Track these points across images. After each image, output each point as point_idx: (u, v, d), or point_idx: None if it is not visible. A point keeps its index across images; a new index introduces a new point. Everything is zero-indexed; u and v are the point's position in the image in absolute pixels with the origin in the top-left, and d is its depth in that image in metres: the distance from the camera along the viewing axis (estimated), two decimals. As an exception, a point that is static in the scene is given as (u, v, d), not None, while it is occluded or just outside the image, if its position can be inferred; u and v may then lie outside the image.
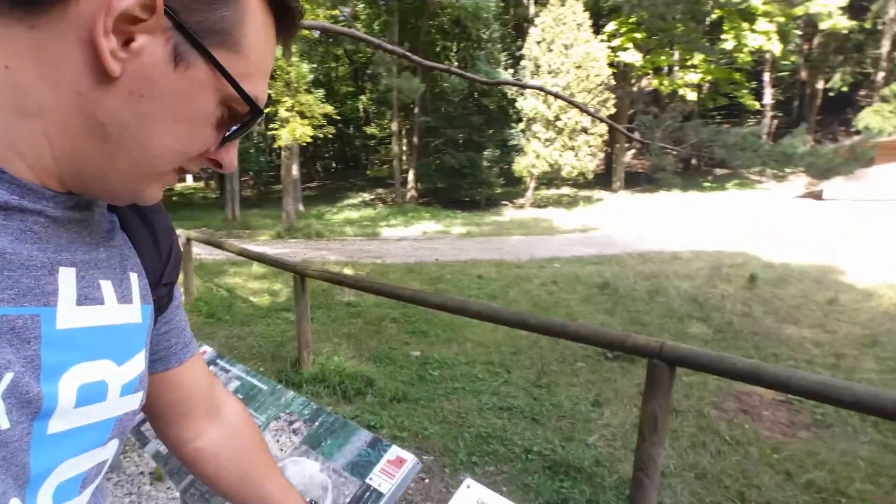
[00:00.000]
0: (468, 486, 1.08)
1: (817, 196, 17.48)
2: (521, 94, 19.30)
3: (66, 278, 0.43)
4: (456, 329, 5.27)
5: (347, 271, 7.60)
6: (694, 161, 23.90)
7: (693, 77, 21.79)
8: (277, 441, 1.39)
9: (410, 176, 21.83)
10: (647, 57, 21.66)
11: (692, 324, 5.64)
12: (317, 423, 1.40)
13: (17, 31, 0.36)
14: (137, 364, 0.50)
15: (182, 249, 0.72)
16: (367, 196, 24.06)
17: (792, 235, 11.47)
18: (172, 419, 0.66)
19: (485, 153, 20.28)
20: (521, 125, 19.92)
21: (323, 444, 1.32)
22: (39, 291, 0.40)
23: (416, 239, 12.56)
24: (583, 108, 5.33)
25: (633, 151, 26.04)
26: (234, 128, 0.44)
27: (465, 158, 19.69)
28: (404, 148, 24.16)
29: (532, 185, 20.21)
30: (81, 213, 0.45)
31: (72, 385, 0.42)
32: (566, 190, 22.06)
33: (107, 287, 0.47)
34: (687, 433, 3.26)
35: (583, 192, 21.70)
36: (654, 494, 2.38)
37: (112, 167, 0.41)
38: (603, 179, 23.22)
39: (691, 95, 21.76)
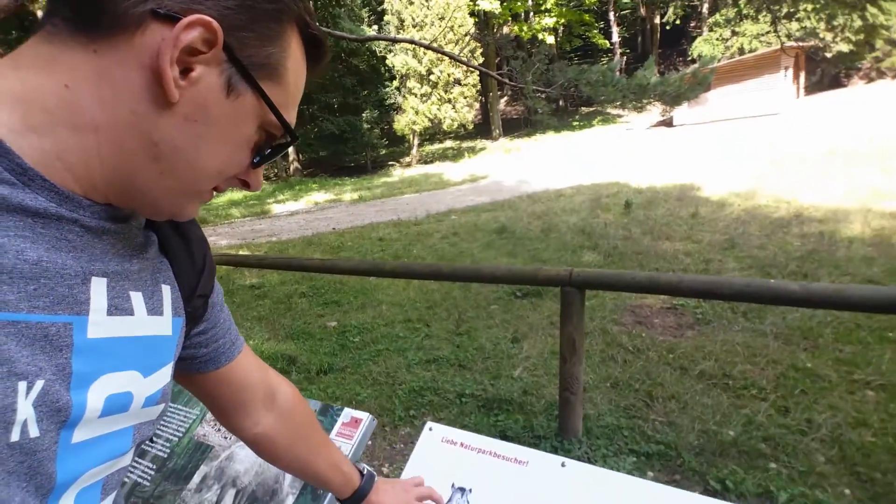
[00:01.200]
0: (430, 429, 1.11)
1: (669, 124, 19.36)
2: (391, 51, 18.89)
3: (98, 288, 0.43)
4: (368, 294, 5.23)
5: (244, 253, 7.16)
6: (562, 102, 25.22)
7: (549, 21, 22.67)
8: (219, 430, 1.31)
9: (290, 148, 20.73)
10: (504, 4, 22.09)
11: (584, 253, 6.10)
12: (262, 406, 1.33)
13: (79, 53, 0.39)
14: (163, 376, 0.51)
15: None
16: (245, 174, 22.53)
17: (653, 161, 12.67)
18: (232, 412, 0.69)
19: (363, 115, 19.76)
20: (395, 83, 19.60)
21: (274, 425, 1.27)
22: (73, 300, 0.41)
23: (308, 211, 12.09)
24: (456, 58, 5.35)
25: (505, 99, 26.84)
26: (269, 151, 0.48)
27: (343, 123, 19.05)
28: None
29: (415, 142, 20.17)
30: (117, 225, 0.46)
31: (100, 395, 0.42)
32: (449, 143, 22.31)
33: (137, 298, 0.48)
34: (597, 351, 3.57)
35: (465, 144, 22.10)
36: (580, 408, 2.61)
37: (159, 185, 0.43)
38: (482, 129, 23.78)
39: (550, 39, 22.68)
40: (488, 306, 4.64)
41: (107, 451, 0.45)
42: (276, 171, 20.97)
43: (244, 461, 1.22)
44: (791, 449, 2.37)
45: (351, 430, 1.18)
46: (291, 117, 0.48)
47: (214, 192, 0.48)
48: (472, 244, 7.15)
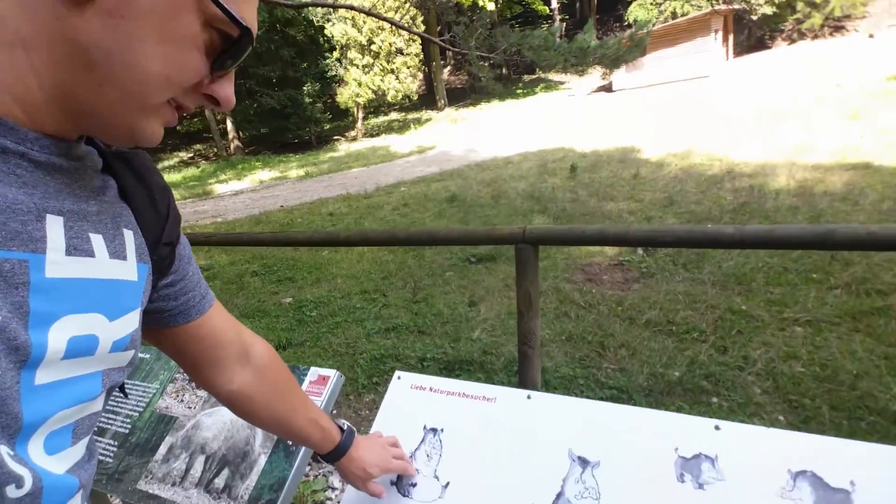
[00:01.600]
0: (399, 377, 1.13)
1: (609, 89, 19.76)
2: (329, 20, 18.20)
3: (54, 226, 0.42)
4: (322, 268, 5.17)
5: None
6: (505, 70, 25.21)
7: (490, -14, 22.41)
8: (182, 401, 1.29)
9: (229, 125, 19.81)
10: (447, -31, 21.63)
11: (534, 217, 6.23)
12: (226, 374, 1.31)
13: None
14: (130, 322, 0.50)
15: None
16: (184, 155, 21.39)
17: (596, 126, 12.96)
18: (205, 368, 0.68)
19: (304, 89, 19.03)
20: (336, 54, 18.97)
21: (240, 391, 1.26)
22: (27, 237, 0.39)
23: (253, 190, 11.66)
24: (398, 24, 5.25)
25: (449, 68, 26.53)
26: (225, 53, 0.44)
27: (284, 98, 18.29)
28: (211, 94, 21.58)
29: (360, 115, 19.71)
30: (69, 163, 0.44)
31: (62, 336, 0.41)
32: (394, 115, 21.94)
33: (97, 241, 0.46)
34: (551, 308, 3.70)
35: (411, 115, 21.78)
36: (538, 361, 2.71)
37: (101, 98, 0.40)
38: (427, 100, 23.48)
39: (490, 6, 22.47)
40: (443, 273, 4.68)
41: (75, 394, 0.44)
42: (215, 149, 20.05)
43: (211, 428, 1.20)
44: (730, 384, 2.57)
45: (319, 387, 1.19)
46: (246, 11, 0.43)
47: (177, 111, 0.45)
48: (424, 214, 7.15)
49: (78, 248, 0.44)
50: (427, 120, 21.02)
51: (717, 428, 0.79)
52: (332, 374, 1.20)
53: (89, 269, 0.45)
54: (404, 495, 0.91)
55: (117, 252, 0.49)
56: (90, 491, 0.52)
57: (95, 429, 0.53)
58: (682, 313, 3.32)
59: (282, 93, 18.34)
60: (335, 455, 0.82)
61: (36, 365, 0.40)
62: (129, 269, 0.50)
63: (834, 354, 2.63)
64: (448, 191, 8.23)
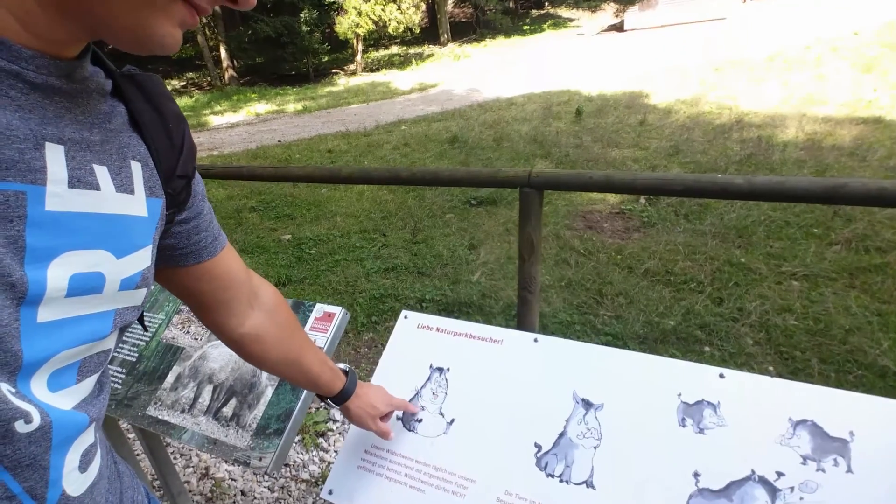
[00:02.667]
0: (405, 317, 1.14)
1: (620, 28, 18.97)
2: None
3: (55, 156, 0.39)
4: (321, 206, 5.13)
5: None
6: (512, 3, 24.08)
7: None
8: (188, 333, 1.31)
9: (223, 53, 19.05)
10: None
11: (537, 161, 6.13)
12: (231, 308, 1.32)
13: None
14: (141, 260, 0.48)
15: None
16: (176, 83, 20.68)
17: (604, 68, 12.53)
18: (214, 309, 0.66)
19: (301, 16, 18.18)
20: (336, -22, 17.99)
21: (246, 325, 1.27)
22: (25, 167, 0.37)
23: (250, 123, 11.38)
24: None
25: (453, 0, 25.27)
26: None
27: (280, 25, 17.48)
28: (204, 20, 20.63)
29: (360, 47, 18.95)
30: (70, 85, 0.41)
31: (62, 273, 0.39)
32: (395, 49, 21.13)
33: (102, 172, 0.43)
34: (551, 255, 3.71)
35: (413, 50, 20.98)
36: (537, 306, 2.74)
37: None
38: (430, 33, 22.52)
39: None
40: (444, 215, 4.66)
41: (82, 333, 0.43)
42: (209, 78, 19.38)
43: (218, 359, 1.22)
44: (724, 334, 2.62)
45: (325, 324, 1.20)
46: None
47: (193, 11, 0.40)
48: (425, 154, 7.02)
49: (82, 180, 0.41)
50: (429, 56, 20.25)
51: (721, 376, 0.80)
52: (337, 310, 1.21)
53: (93, 203, 0.42)
54: (410, 430, 0.93)
55: (124, 185, 0.46)
56: (101, 424, 0.51)
57: (106, 364, 0.50)
58: (681, 264, 3.34)
59: (277, 19, 17.53)
60: (343, 396, 0.83)
61: (36, 302, 0.38)
62: (138, 203, 0.47)
63: (828, 309, 2.67)
64: (449, 131, 8.05)
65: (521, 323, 2.73)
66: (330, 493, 0.90)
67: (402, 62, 19.48)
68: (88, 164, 0.42)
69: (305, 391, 1.11)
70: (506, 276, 3.36)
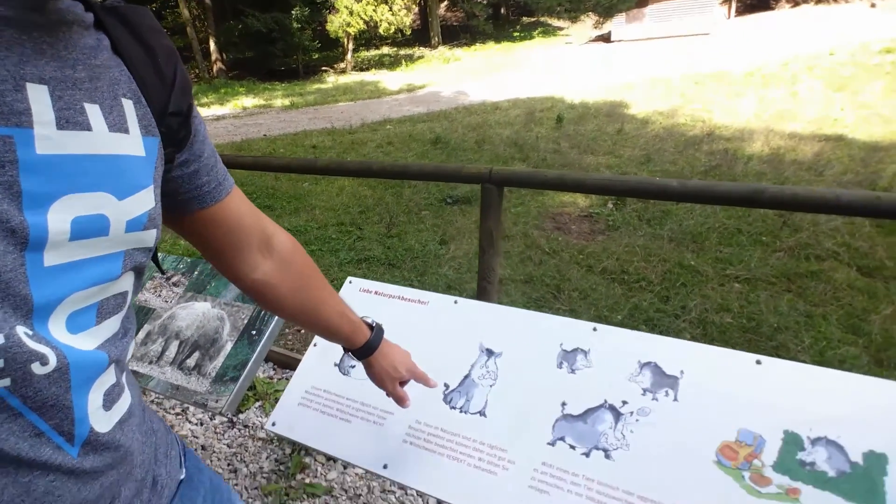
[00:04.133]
0: (350, 282, 1.31)
1: (607, 39, 19.34)
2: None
3: (38, 96, 0.38)
4: (301, 199, 5.26)
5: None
6: (503, 10, 24.37)
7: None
8: (159, 296, 1.46)
9: (212, 45, 19.03)
10: None
11: (514, 164, 6.33)
12: (196, 272, 1.48)
13: None
14: (144, 200, 0.47)
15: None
16: (161, 73, 20.55)
17: (589, 76, 12.82)
18: (225, 255, 0.65)
19: (293, 13, 18.26)
20: (329, -23, 18.10)
21: (209, 287, 1.43)
22: (7, 109, 0.36)
23: (236, 116, 11.44)
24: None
25: (446, 3, 25.51)
26: None
27: (270, 20, 17.55)
28: (195, 11, 20.60)
29: (350, 46, 19.07)
30: (47, 19, 0.39)
31: (63, 216, 0.39)
32: (386, 50, 21.28)
33: (94, 111, 0.42)
34: (517, 252, 3.89)
35: (403, 51, 21.15)
36: (495, 297, 2.94)
37: None
38: (421, 35, 22.72)
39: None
40: (419, 212, 4.83)
41: (91, 275, 0.42)
42: (197, 70, 19.33)
43: (185, 318, 1.38)
44: (665, 328, 2.82)
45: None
46: None
47: None
48: (407, 153, 7.19)
49: (71, 120, 0.40)
50: (419, 57, 20.44)
51: (594, 329, 0.98)
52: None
53: (87, 145, 0.41)
54: (344, 374, 1.10)
55: (117, 124, 0.44)
56: (125, 365, 0.52)
57: (128, 307, 0.50)
58: (636, 264, 3.55)
59: (268, 15, 17.58)
60: (367, 350, 0.81)
61: (40, 247, 0.38)
62: (134, 142, 0.46)
63: (761, 310, 2.89)
64: (433, 132, 8.23)
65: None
66: (273, 424, 1.07)
67: (392, 63, 19.64)
68: (78, 104, 0.41)
69: (261, 345, 1.27)
70: (471, 270, 3.54)
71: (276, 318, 1.29)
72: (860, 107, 7.51)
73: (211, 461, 1.68)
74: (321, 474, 1.61)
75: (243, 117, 11.27)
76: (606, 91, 10.74)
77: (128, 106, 0.46)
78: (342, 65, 19.56)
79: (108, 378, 0.47)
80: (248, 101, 13.69)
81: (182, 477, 0.64)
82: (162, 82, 0.50)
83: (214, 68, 19.05)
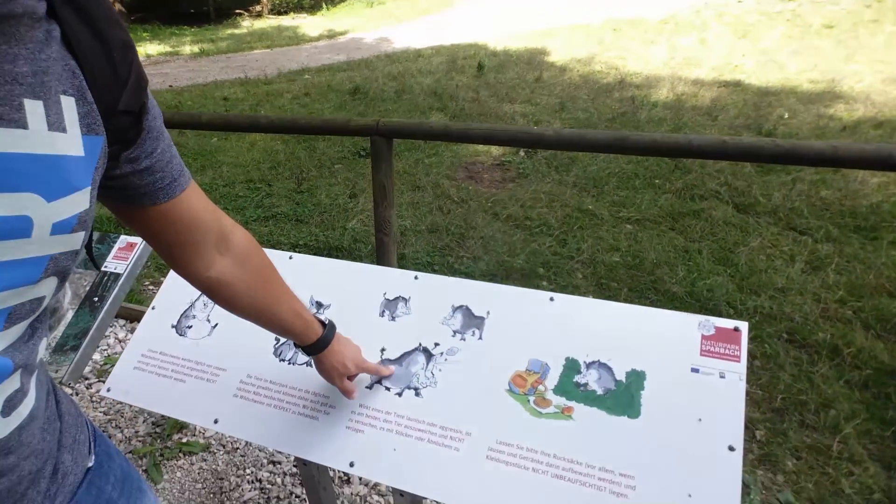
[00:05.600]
0: (290, 258, 1.29)
1: (536, -17, 19.04)
2: None
3: None
4: (208, 156, 5.01)
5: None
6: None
7: None
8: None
9: (105, -16, 17.11)
10: None
11: (432, 114, 6.27)
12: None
13: None
14: (77, 202, 0.44)
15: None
16: (49, 17, 18.39)
17: (513, 22, 12.67)
18: (180, 253, 0.64)
19: (198, -52, 16.64)
20: None
21: (51, 256, 1.36)
22: None
23: (136, 66, 10.51)
24: None
25: (370, -59, 24.01)
26: None
27: (174, -44, 15.96)
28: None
29: (266, -13, 17.75)
30: None
31: None
32: (307, -9, 19.97)
33: (35, 108, 0.40)
34: (426, 202, 3.92)
35: (325, -7, 19.96)
36: (394, 248, 2.96)
37: None
38: (344, -24, 21.45)
39: None
40: (332, 166, 4.73)
41: (7, 278, 0.40)
42: (91, 14, 17.40)
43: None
44: (560, 270, 2.98)
45: (127, 253, 1.32)
46: None
47: None
48: (324, 105, 6.94)
49: (5, 117, 0.37)
50: (342, 0, 19.38)
51: (415, 278, 1.03)
52: (138, 241, 1.33)
53: (18, 143, 0.38)
54: (181, 335, 1.10)
55: (56, 123, 0.42)
56: (35, 366, 0.50)
57: (43, 310, 0.48)
58: (539, 210, 3.67)
59: (171, -49, 15.95)
60: (317, 347, 0.82)
61: None
62: (72, 142, 0.43)
63: (645, 248, 3.10)
64: (353, 82, 7.95)
65: (380, 264, 2.94)
66: (108, 390, 1.06)
67: (313, 6, 18.51)
68: (17, 100, 0.38)
69: (103, 312, 1.24)
70: (379, 223, 3.55)
71: (120, 284, 1.25)
72: (760, 53, 7.92)
73: (84, 429, 1.66)
74: (200, 431, 1.63)
75: (147, 66, 10.36)
76: (529, 38, 10.69)
77: (68, 103, 0.43)
78: (258, 8, 18.23)
79: (11, 384, 0.45)
80: (153, 49, 12.59)
81: (90, 464, 0.62)
82: (114, 78, 0.47)
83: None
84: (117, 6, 17.17)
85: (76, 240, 0.46)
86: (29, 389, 0.48)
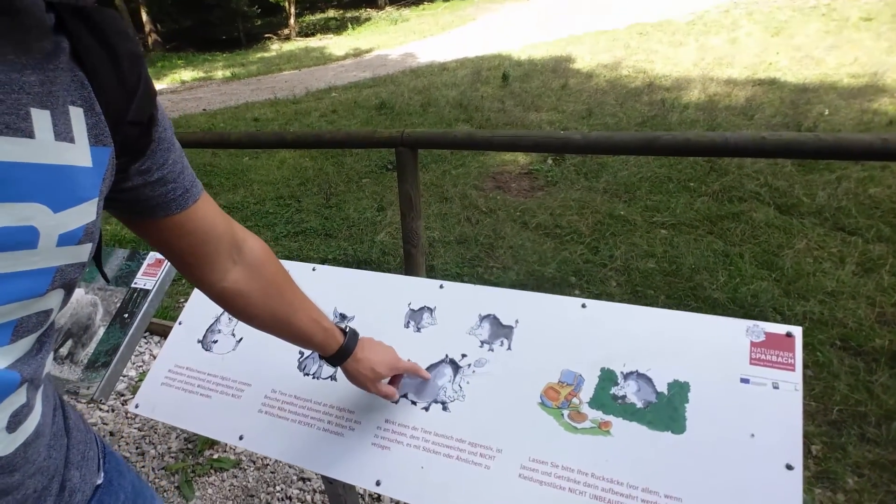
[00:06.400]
0: (314, 269, 1.29)
1: (559, -8, 19.03)
2: None
3: None
4: (240, 175, 5.12)
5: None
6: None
7: None
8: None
9: (144, 16, 17.95)
10: None
11: (458, 125, 6.27)
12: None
13: None
14: (84, 213, 0.44)
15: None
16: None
17: (536, 32, 12.65)
18: (193, 263, 0.63)
19: (229, -23, 17.29)
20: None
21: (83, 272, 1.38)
22: None
23: (174, 91, 10.93)
24: None
25: (394, -39, 24.53)
26: None
27: (205, -14, 16.61)
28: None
29: (293, 10, 18.27)
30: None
31: None
32: (331, 13, 20.50)
33: (42, 118, 0.40)
34: (454, 213, 3.90)
35: (349, 14, 20.43)
36: (423, 260, 2.94)
37: None
38: (369, -4, 21.92)
39: None
40: (360, 180, 4.76)
41: (13, 290, 0.39)
42: (131, 45, 18.23)
43: (57, 306, 1.34)
44: (593, 278, 2.90)
45: (155, 269, 1.33)
46: None
47: None
48: (351, 121, 7.03)
49: (11, 126, 0.37)
50: (366, 20, 19.76)
51: (441, 287, 0.99)
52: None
53: (25, 153, 0.38)
54: (207, 350, 1.09)
55: (63, 133, 0.42)
56: (41, 381, 0.49)
57: (50, 323, 0.48)
58: (569, 218, 3.60)
59: (203, -19, 16.62)
60: (340, 356, 0.80)
61: None
62: (80, 152, 0.43)
63: (682, 253, 2.99)
64: (379, 98, 8.04)
65: (409, 275, 2.91)
66: (136, 406, 1.06)
67: (339, 27, 18.95)
68: (24, 109, 0.38)
69: (133, 328, 1.25)
70: (407, 235, 3.53)
71: (149, 300, 1.26)
72: (794, 49, 7.66)
73: (119, 446, 1.67)
74: (230, 448, 1.62)
75: (181, 91, 10.77)
76: (554, 46, 10.64)
77: (75, 114, 0.43)
78: (286, 31, 18.77)
79: (18, 398, 0.44)
80: (187, 75, 13.07)
81: (99, 482, 0.61)
82: (123, 90, 0.47)
83: (150, 41, 18.03)
84: (153, 36, 17.99)
85: (83, 251, 0.45)
86: (35, 405, 0.47)
